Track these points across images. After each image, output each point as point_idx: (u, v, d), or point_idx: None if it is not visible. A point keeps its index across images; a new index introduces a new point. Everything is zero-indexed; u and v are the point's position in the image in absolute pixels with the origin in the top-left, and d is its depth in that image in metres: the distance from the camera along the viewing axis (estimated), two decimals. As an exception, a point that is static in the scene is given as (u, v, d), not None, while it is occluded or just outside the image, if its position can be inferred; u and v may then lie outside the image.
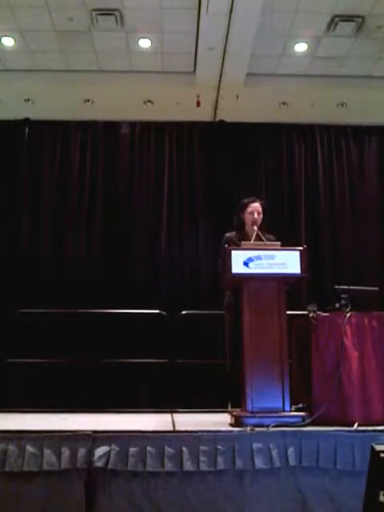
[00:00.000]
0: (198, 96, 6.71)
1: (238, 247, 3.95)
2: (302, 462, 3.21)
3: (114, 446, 3.14)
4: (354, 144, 7.39)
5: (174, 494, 3.14)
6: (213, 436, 3.23)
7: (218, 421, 3.89)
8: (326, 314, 3.93)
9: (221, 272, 4.04)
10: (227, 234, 4.48)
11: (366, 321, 3.88)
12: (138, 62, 6.51)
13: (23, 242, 6.90)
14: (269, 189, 7.18)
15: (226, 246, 3.89)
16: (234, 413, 3.75)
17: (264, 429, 3.34)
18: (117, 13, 5.67)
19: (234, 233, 4.49)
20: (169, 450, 3.14)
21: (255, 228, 4.23)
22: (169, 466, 3.12)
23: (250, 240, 4.15)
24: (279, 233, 4.52)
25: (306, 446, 3.23)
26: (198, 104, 6.75)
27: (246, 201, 4.50)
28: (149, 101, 6.93)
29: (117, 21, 5.75)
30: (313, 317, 3.89)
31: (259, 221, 4.38)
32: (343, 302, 3.92)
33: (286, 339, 3.76)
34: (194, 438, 3.21)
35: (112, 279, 6.74)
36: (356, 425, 3.48)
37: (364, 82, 6.72)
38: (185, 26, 5.87)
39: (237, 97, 6.73)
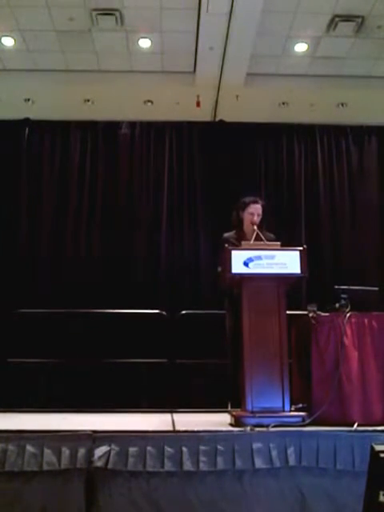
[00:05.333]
0: (198, 96, 6.72)
1: (238, 247, 3.95)
2: (302, 461, 3.21)
3: (113, 446, 3.14)
4: (353, 144, 7.39)
5: (174, 494, 3.13)
6: (213, 436, 3.23)
7: (218, 421, 3.89)
8: (326, 314, 3.93)
9: (220, 272, 4.04)
10: (226, 234, 4.48)
11: (365, 321, 3.89)
12: (138, 61, 6.51)
13: (23, 242, 6.90)
14: (269, 189, 7.18)
15: (226, 246, 3.89)
16: (234, 413, 3.75)
17: (264, 429, 3.34)
18: (117, 13, 5.67)
19: (232, 232, 4.48)
20: (169, 450, 3.14)
21: (255, 228, 4.22)
22: (169, 465, 3.12)
23: (248, 239, 4.14)
24: (279, 233, 4.52)
25: (306, 446, 3.23)
26: (198, 104, 6.75)
27: (247, 200, 4.48)
28: (149, 101, 6.94)
29: (117, 21, 5.75)
30: (313, 317, 3.89)
31: (258, 222, 4.37)
32: (343, 301, 3.92)
33: (286, 339, 3.76)
34: (194, 437, 3.21)
35: (112, 279, 6.74)
36: (356, 425, 3.48)
37: (364, 82, 6.72)
38: (185, 26, 5.88)
39: (237, 97, 6.73)
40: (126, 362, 5.86)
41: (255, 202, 4.45)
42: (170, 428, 3.70)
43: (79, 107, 6.94)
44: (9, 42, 6.14)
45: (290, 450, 3.20)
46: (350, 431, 3.37)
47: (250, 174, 7.16)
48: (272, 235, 4.39)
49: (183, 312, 5.99)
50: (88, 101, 6.91)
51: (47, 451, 3.11)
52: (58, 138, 7.23)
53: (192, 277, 6.89)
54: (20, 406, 4.93)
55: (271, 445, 3.19)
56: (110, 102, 6.83)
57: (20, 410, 4.81)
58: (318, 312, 3.93)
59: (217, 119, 7.25)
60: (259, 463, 3.15)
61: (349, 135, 7.41)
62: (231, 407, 4.17)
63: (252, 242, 4.06)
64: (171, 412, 4.70)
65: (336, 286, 4.09)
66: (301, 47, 6.25)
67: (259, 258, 3.75)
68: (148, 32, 6.03)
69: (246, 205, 4.45)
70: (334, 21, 5.77)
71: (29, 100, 6.88)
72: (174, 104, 6.88)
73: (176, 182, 7.18)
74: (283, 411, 3.61)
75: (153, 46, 6.24)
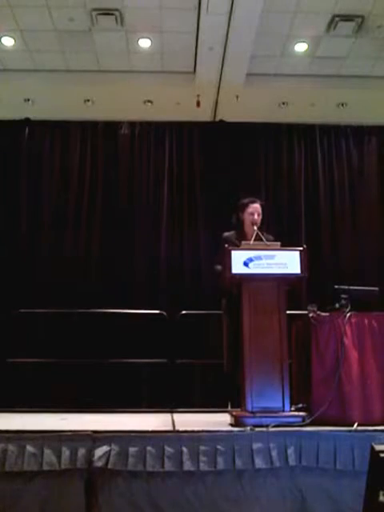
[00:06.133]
0: (198, 96, 6.71)
1: (238, 247, 3.95)
2: (302, 461, 3.21)
3: (113, 446, 3.15)
4: (354, 144, 7.40)
5: (174, 494, 3.14)
6: (213, 436, 3.23)
7: (217, 421, 3.89)
8: (326, 314, 3.93)
9: (219, 272, 4.04)
10: (226, 234, 4.46)
11: (365, 321, 3.89)
12: (138, 62, 6.50)
13: (23, 241, 6.90)
14: (269, 189, 7.19)
15: (226, 246, 3.89)
16: (234, 413, 3.75)
17: (264, 429, 3.34)
18: (117, 13, 5.67)
19: (232, 232, 4.47)
20: (169, 450, 3.14)
21: (255, 228, 4.22)
22: (169, 465, 3.12)
23: (248, 240, 4.14)
24: (279, 233, 4.52)
25: (306, 446, 3.23)
26: (198, 104, 6.75)
27: (245, 201, 4.49)
28: (149, 101, 6.93)
29: (117, 21, 5.75)
30: (313, 317, 3.89)
31: (259, 221, 4.37)
32: (343, 301, 3.92)
33: (286, 339, 3.77)
34: (194, 438, 3.21)
35: (112, 279, 6.74)
36: (356, 425, 3.48)
37: (364, 82, 6.72)
38: (185, 26, 5.87)
39: (237, 97, 6.72)
40: (126, 362, 5.87)
41: (253, 202, 4.45)
42: (170, 428, 3.71)
43: (79, 107, 6.93)
44: (9, 41, 6.14)
45: (290, 450, 3.20)
46: (350, 431, 3.37)
47: (250, 173, 7.16)
48: (271, 237, 4.38)
49: (183, 312, 5.99)
50: (88, 101, 6.91)
51: (47, 451, 3.12)
52: (58, 137, 7.23)
53: (192, 277, 6.89)
54: (20, 406, 4.94)
55: (271, 445, 3.20)
56: (110, 102, 6.82)
57: (20, 410, 4.81)
58: (318, 312, 3.93)
59: (217, 119, 7.25)
60: (259, 463, 3.16)
61: (349, 135, 7.41)
62: (231, 407, 4.17)
63: (252, 242, 4.06)
64: (171, 412, 4.71)
65: (336, 286, 4.10)
66: (301, 47, 6.25)
67: (259, 258, 3.75)
68: (148, 32, 6.03)
69: (245, 205, 4.45)
70: (334, 21, 5.77)
71: (29, 100, 6.87)
72: (174, 104, 6.88)
73: (176, 182, 7.18)
74: (283, 411, 3.61)
75: (153, 46, 6.24)
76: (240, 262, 3.74)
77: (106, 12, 5.66)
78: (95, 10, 5.64)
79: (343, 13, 5.69)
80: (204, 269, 6.78)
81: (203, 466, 3.13)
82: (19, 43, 6.16)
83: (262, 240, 4.07)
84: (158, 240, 6.96)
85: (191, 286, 6.86)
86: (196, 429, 3.33)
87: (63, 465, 3.11)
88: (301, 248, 3.84)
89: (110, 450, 3.14)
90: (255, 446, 3.19)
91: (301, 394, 3.94)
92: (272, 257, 3.77)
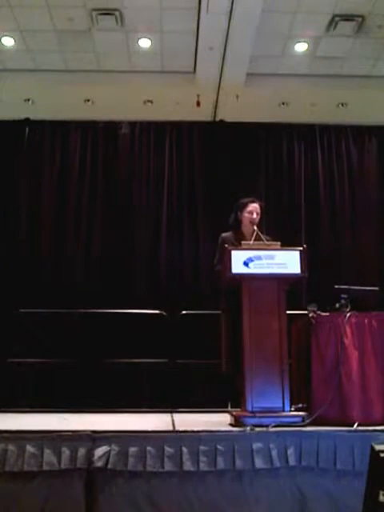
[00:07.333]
0: (198, 96, 6.71)
1: (238, 247, 3.95)
2: (302, 462, 3.21)
3: (113, 446, 3.14)
4: (354, 144, 7.40)
5: (174, 494, 3.14)
6: (213, 436, 3.23)
7: (217, 421, 3.89)
8: (326, 314, 3.93)
9: (218, 271, 4.03)
10: (223, 234, 4.45)
11: (365, 321, 3.89)
12: (138, 61, 6.51)
13: (23, 241, 6.90)
14: (269, 189, 7.19)
15: (226, 246, 3.89)
16: (234, 413, 3.75)
17: (264, 429, 3.34)
18: (117, 13, 5.67)
19: (230, 233, 4.46)
20: (169, 450, 3.14)
21: (254, 228, 4.22)
22: (169, 465, 3.12)
23: (247, 239, 4.14)
24: (279, 233, 4.51)
25: (306, 446, 3.23)
26: (198, 104, 6.75)
27: (244, 201, 4.48)
28: (149, 101, 6.94)
29: (117, 21, 5.75)
30: (313, 317, 3.90)
31: (257, 221, 4.37)
32: (343, 301, 3.92)
33: (286, 339, 3.76)
34: (194, 438, 3.21)
35: (112, 279, 6.74)
36: (356, 425, 3.48)
37: (364, 81, 6.72)
38: (185, 26, 5.87)
39: (237, 97, 6.73)
40: (126, 362, 5.87)
41: (253, 201, 4.44)
42: (170, 428, 3.71)
43: (79, 107, 6.94)
44: (9, 41, 6.14)
45: (290, 450, 3.20)
46: (350, 431, 3.37)
47: (250, 173, 7.16)
48: (269, 237, 4.37)
49: (183, 312, 5.99)
50: (88, 101, 6.91)
51: (47, 451, 3.11)
52: (58, 138, 7.23)
53: (192, 277, 6.89)
54: (20, 406, 4.94)
55: (271, 445, 3.20)
56: (110, 102, 6.82)
57: (20, 410, 4.81)
58: (318, 312, 3.93)
59: (217, 119, 7.25)
60: (259, 463, 3.16)
61: (349, 135, 7.41)
62: (231, 407, 4.17)
63: (252, 242, 4.06)
64: (171, 412, 4.71)
65: (336, 286, 4.09)
66: (301, 47, 6.25)
67: (259, 258, 3.75)
68: (148, 32, 6.03)
69: (244, 205, 4.44)
70: (334, 21, 5.77)
71: (29, 100, 6.88)
72: (174, 104, 6.88)
73: (176, 182, 7.18)
74: (283, 411, 3.61)
75: (153, 46, 6.24)
76: (240, 261, 3.74)
77: (106, 12, 5.67)
78: (95, 10, 5.64)
79: (343, 13, 5.69)
80: (204, 269, 6.77)
81: (203, 466, 3.13)
82: (19, 43, 6.16)
83: (261, 240, 4.07)
84: (157, 240, 6.97)
85: (191, 285, 6.86)
86: (196, 429, 3.33)
87: (63, 465, 3.10)
88: (301, 248, 3.84)
89: (109, 450, 3.13)
90: (255, 446, 3.19)
91: (301, 394, 3.94)
92: (272, 257, 3.77)
